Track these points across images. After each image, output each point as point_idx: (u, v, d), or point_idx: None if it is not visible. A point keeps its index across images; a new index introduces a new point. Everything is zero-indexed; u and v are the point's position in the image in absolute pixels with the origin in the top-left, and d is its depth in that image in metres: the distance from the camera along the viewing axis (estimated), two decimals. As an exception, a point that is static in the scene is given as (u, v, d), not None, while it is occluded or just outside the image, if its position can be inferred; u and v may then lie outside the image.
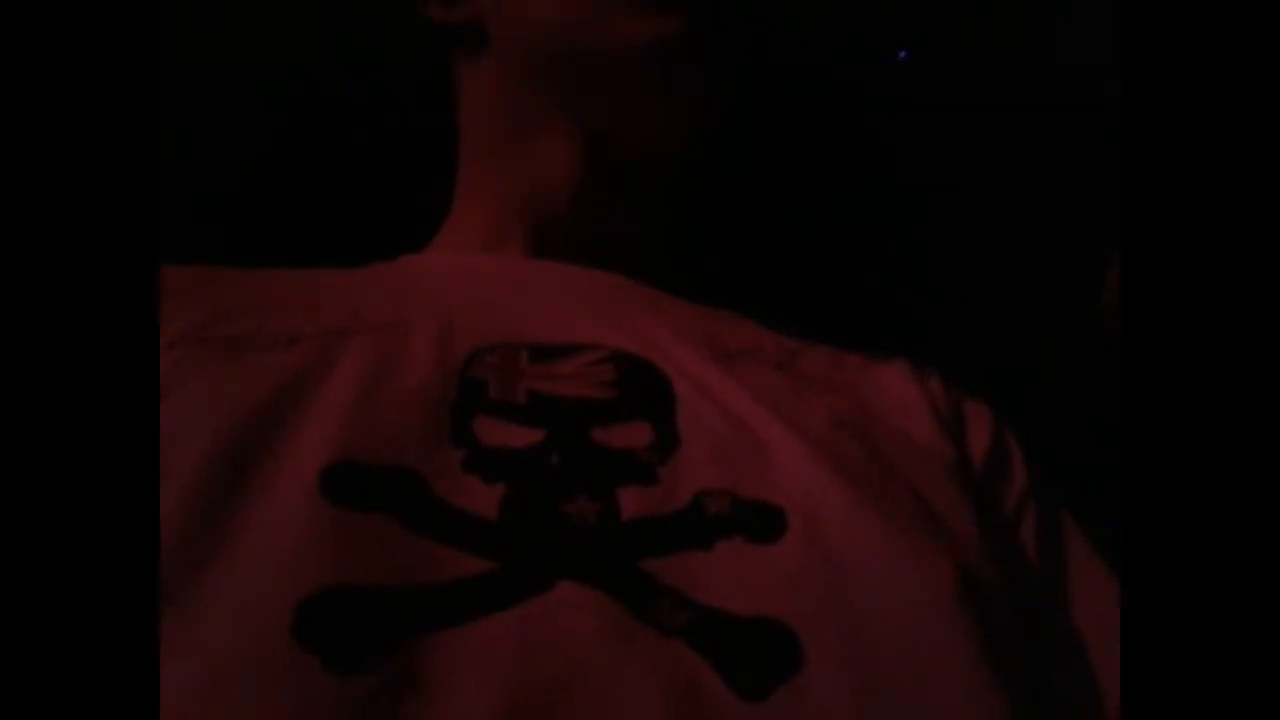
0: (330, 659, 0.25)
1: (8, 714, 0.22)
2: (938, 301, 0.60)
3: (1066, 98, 0.56)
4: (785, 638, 0.28)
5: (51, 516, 0.24)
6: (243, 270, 0.44)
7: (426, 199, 0.56)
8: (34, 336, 0.25)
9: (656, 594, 0.29)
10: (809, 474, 0.34)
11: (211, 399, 0.32)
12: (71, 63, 0.27)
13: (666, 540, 0.31)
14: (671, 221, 0.56)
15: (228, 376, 0.34)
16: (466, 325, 0.40)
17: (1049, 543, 0.41)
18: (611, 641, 0.27)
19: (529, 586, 0.28)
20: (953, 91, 0.59)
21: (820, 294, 0.61)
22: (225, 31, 0.63)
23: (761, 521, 0.32)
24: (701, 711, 0.26)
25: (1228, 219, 0.27)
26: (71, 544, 0.24)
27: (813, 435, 0.36)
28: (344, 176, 0.64)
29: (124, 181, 0.27)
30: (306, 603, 0.26)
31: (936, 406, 0.43)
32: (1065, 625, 0.39)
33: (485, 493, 0.31)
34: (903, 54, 0.59)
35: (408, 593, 0.27)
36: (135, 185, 0.27)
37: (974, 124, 0.59)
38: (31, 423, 0.24)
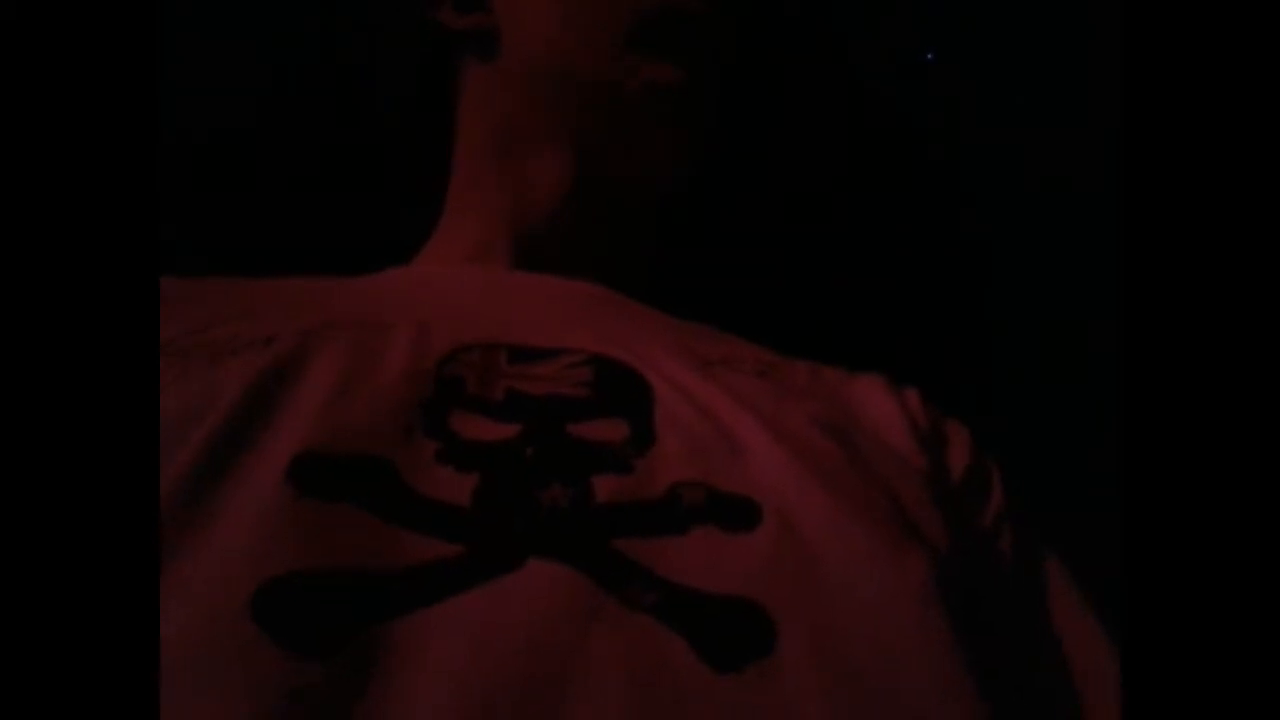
0: (288, 642, 0.24)
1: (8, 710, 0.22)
2: (922, 323, 0.60)
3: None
4: (759, 618, 0.28)
5: (51, 517, 0.24)
6: (225, 280, 0.44)
7: (416, 215, 0.56)
8: (32, 343, 0.25)
9: (628, 572, 0.29)
10: (785, 472, 0.34)
11: (189, 406, 0.32)
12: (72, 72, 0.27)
13: (640, 523, 0.31)
14: (656, 239, 0.56)
15: (206, 381, 0.33)
16: (446, 326, 0.40)
17: (1024, 562, 0.41)
18: (579, 616, 0.27)
19: (498, 565, 0.28)
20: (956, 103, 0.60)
21: (802, 313, 0.60)
22: (217, 28, 0.63)
23: (736, 513, 0.32)
24: (670, 683, 0.26)
25: (1228, 220, 0.27)
26: (73, 544, 0.24)
27: (790, 436, 0.36)
28: (335, 191, 0.64)
29: (124, 187, 0.27)
30: (267, 587, 0.25)
31: (914, 421, 0.43)
32: (1038, 636, 0.39)
33: (458, 481, 0.31)
34: (929, 55, 0.59)
35: (373, 576, 0.27)
36: (135, 191, 0.27)
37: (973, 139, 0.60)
38: (31, 429, 0.24)
